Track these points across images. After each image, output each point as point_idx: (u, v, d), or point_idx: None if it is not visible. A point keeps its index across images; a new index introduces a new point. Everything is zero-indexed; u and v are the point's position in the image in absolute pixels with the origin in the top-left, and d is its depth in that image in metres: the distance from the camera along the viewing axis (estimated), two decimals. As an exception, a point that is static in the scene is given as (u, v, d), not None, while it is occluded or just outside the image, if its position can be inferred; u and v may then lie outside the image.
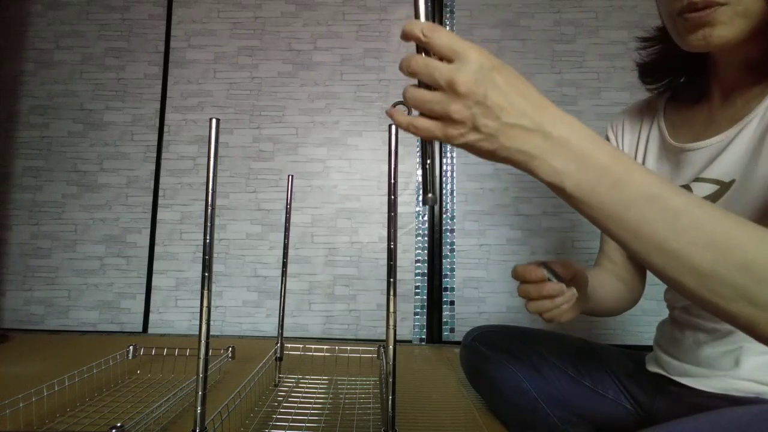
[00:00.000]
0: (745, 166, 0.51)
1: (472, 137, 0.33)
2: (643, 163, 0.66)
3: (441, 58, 0.33)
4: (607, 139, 0.72)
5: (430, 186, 0.36)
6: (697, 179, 0.56)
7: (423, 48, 0.34)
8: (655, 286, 0.64)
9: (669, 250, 0.32)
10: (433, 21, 1.53)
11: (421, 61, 0.34)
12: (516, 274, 0.54)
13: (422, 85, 0.35)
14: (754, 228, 0.31)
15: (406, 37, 0.35)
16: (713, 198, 0.54)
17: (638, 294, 0.74)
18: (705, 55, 0.57)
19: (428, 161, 0.36)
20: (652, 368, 0.65)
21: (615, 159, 0.33)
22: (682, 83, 0.65)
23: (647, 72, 0.67)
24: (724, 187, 0.53)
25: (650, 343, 0.70)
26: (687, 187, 0.57)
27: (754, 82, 0.53)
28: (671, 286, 0.34)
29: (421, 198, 1.64)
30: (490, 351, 0.83)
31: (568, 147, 0.33)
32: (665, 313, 0.68)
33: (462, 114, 0.32)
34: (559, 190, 0.35)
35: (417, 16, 0.35)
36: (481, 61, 0.33)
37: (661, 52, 0.64)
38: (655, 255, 0.33)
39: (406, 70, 0.34)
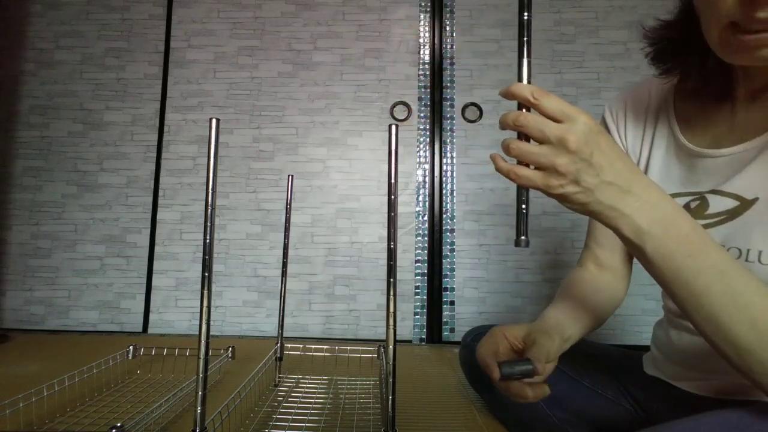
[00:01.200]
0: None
1: (570, 189, 0.37)
2: (649, 161, 0.61)
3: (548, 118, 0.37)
4: (605, 126, 0.66)
5: (524, 229, 0.38)
6: (714, 191, 0.51)
7: (524, 106, 0.38)
8: (654, 286, 0.64)
9: (720, 323, 0.36)
10: (433, 22, 1.51)
11: (532, 118, 0.38)
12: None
13: (522, 138, 0.39)
14: None
15: (513, 97, 0.39)
16: (731, 214, 0.49)
17: (621, 298, 0.69)
18: None
19: (523, 207, 0.39)
20: (651, 371, 0.65)
21: (695, 229, 0.37)
22: (696, 72, 0.55)
23: (663, 57, 0.56)
24: (744, 204, 0.48)
25: (649, 343, 0.70)
26: (701, 197, 0.53)
27: None
28: (710, 345, 0.37)
29: (421, 199, 1.64)
30: None
31: (657, 210, 0.37)
32: (662, 313, 0.68)
33: (567, 168, 0.36)
34: (637, 250, 0.38)
35: (520, 78, 0.39)
36: (591, 125, 0.37)
37: (684, 37, 0.53)
38: (705, 321, 0.37)
39: (513, 123, 0.38)
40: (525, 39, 0.39)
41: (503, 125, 0.39)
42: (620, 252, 0.67)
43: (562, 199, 0.39)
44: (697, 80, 0.55)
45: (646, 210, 0.37)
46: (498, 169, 0.40)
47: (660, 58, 0.56)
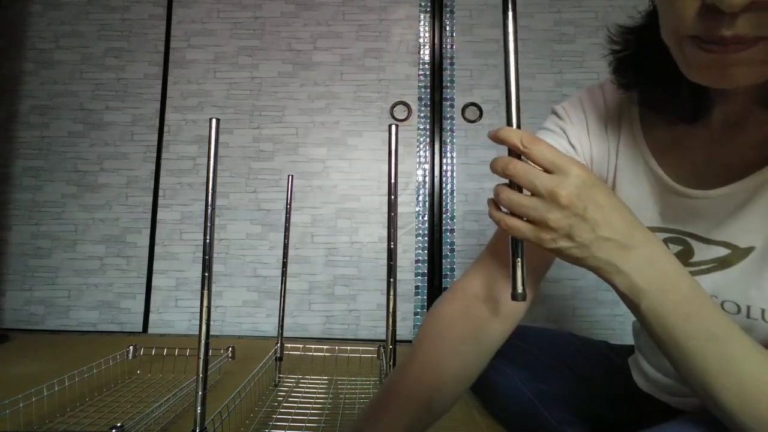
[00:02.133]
0: (765, 235, 0.41)
1: (563, 244, 0.36)
2: (615, 184, 0.52)
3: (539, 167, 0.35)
4: (564, 132, 0.54)
5: (520, 283, 0.36)
6: (699, 237, 0.45)
7: (516, 153, 0.36)
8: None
9: (706, 384, 0.35)
10: (433, 22, 1.51)
11: (521, 168, 0.35)
12: None
13: (514, 185, 0.36)
14: None
15: (501, 143, 0.36)
16: (721, 263, 0.43)
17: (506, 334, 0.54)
18: None
19: (518, 259, 0.36)
20: (639, 381, 0.64)
21: (693, 290, 0.36)
22: (662, 91, 0.46)
23: (625, 69, 0.47)
24: (738, 253, 0.42)
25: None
26: (682, 240, 0.47)
27: (766, 120, 0.41)
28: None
29: (421, 199, 1.64)
30: None
31: (656, 269, 0.36)
32: None
33: (559, 223, 0.34)
34: (632, 306, 0.37)
35: (509, 121, 0.37)
36: (583, 177, 0.35)
37: (647, 47, 0.45)
38: (692, 378, 0.36)
39: (502, 172, 0.36)
40: (513, 80, 0.37)
41: (493, 171, 0.37)
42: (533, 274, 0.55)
43: (557, 253, 0.37)
44: (664, 100, 0.46)
45: (644, 267, 0.36)
46: (491, 216, 0.38)
47: (621, 71, 0.47)
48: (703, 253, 0.45)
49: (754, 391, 0.34)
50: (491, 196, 0.39)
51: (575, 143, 0.53)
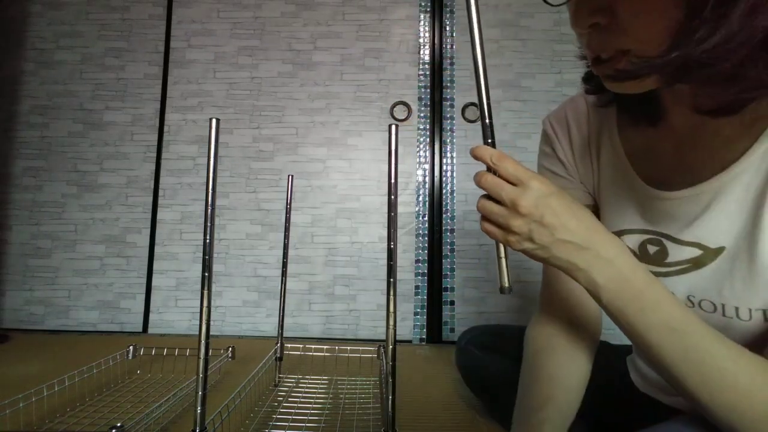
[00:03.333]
0: (741, 234, 0.42)
1: (528, 245, 0.40)
2: (599, 189, 0.55)
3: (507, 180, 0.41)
4: (553, 150, 0.59)
5: (507, 278, 0.41)
6: (671, 238, 0.48)
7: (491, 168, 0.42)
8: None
9: (672, 375, 0.38)
10: (433, 22, 1.50)
11: (491, 180, 0.42)
12: None
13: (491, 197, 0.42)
14: (755, 368, 0.36)
15: (476, 158, 0.43)
16: (695, 263, 0.45)
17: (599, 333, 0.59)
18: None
19: (502, 258, 0.42)
20: (636, 380, 0.65)
21: (649, 286, 0.39)
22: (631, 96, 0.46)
23: (590, 77, 0.50)
24: (709, 253, 0.44)
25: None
26: (658, 241, 0.49)
27: (728, 122, 0.42)
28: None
29: (421, 199, 1.64)
30: (483, 353, 0.83)
31: (612, 267, 0.39)
32: None
33: (521, 229, 0.40)
34: (596, 300, 0.41)
35: (485, 140, 0.43)
36: (541, 189, 0.39)
37: None
38: (660, 370, 0.40)
39: (477, 183, 0.42)
40: (485, 102, 0.42)
41: (475, 183, 0.43)
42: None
43: (524, 253, 0.42)
44: (628, 101, 0.49)
45: (601, 265, 0.39)
46: (480, 221, 0.44)
47: (587, 78, 0.50)
48: (676, 253, 0.47)
49: (717, 379, 0.36)
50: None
51: (563, 159, 0.59)
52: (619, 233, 0.53)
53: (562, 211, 0.39)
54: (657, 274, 0.48)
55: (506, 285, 0.41)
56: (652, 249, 0.50)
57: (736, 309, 0.42)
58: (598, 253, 0.39)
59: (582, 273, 0.40)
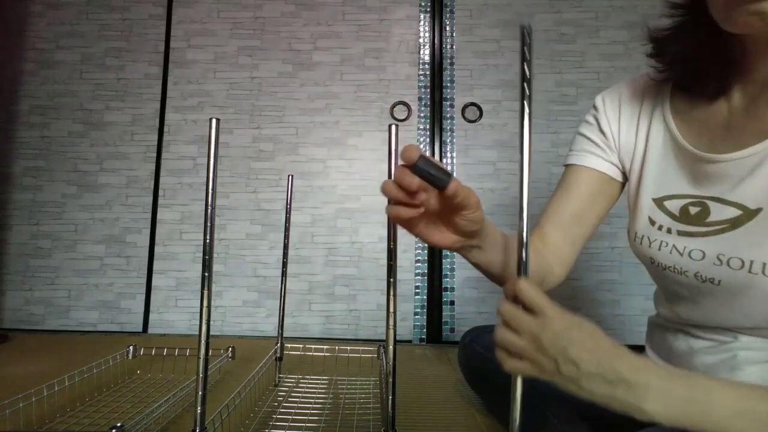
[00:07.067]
0: None
1: (558, 378, 0.40)
2: (644, 159, 0.58)
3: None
4: (595, 114, 0.63)
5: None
6: (717, 198, 0.50)
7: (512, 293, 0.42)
8: (654, 286, 0.64)
9: None
10: (433, 22, 1.51)
11: (509, 312, 0.41)
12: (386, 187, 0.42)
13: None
14: None
15: (508, 297, 0.42)
16: (732, 224, 0.48)
17: (552, 281, 0.63)
18: (736, 45, 0.48)
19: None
20: None
21: (692, 386, 0.38)
22: (699, 69, 0.52)
23: (662, 49, 0.54)
24: (748, 213, 0.47)
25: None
26: (701, 203, 0.51)
27: None
28: None
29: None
30: (486, 352, 0.83)
31: (649, 390, 0.38)
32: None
33: (548, 364, 0.39)
34: (651, 422, 0.39)
35: (519, 273, 0.42)
36: (561, 321, 0.39)
37: (686, 24, 0.51)
38: None
39: (499, 314, 0.42)
40: (524, 255, 0.42)
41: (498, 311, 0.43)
42: (569, 236, 0.63)
43: (561, 385, 0.41)
44: (690, 78, 0.53)
45: (640, 394, 0.38)
46: (499, 359, 0.42)
47: (657, 51, 0.54)
48: (718, 213, 0.49)
49: None
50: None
51: (605, 130, 0.62)
52: (662, 199, 0.56)
53: (585, 343, 0.39)
54: (695, 234, 0.50)
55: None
56: (693, 210, 0.52)
57: (764, 265, 0.44)
58: (629, 381, 0.38)
59: (632, 410, 0.39)
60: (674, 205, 0.54)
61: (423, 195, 0.42)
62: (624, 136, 0.61)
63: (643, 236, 0.58)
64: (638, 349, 0.74)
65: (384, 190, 0.42)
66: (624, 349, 0.40)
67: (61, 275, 1.65)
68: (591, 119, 0.64)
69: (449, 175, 0.41)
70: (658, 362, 0.63)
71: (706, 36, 0.48)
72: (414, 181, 0.40)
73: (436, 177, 0.40)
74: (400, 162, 0.41)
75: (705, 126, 0.53)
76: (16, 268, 1.66)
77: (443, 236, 0.48)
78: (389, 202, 0.43)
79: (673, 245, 0.53)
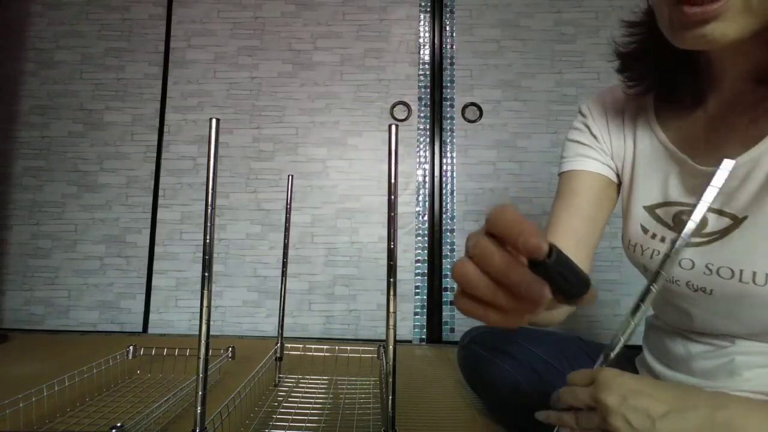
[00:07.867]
0: (758, 203, 0.45)
1: None
2: (634, 165, 0.58)
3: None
4: (587, 126, 0.62)
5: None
6: (715, 210, 0.49)
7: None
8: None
9: None
10: (433, 22, 1.50)
11: (568, 394, 0.43)
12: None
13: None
14: None
15: (569, 403, 0.43)
16: (722, 233, 0.48)
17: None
18: (700, 54, 0.49)
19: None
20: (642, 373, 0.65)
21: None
22: (669, 81, 0.53)
23: (629, 65, 0.55)
24: (737, 222, 0.47)
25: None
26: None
27: (763, 97, 0.45)
28: None
29: (421, 199, 1.64)
30: (486, 352, 0.83)
31: (727, 410, 0.37)
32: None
33: (619, 422, 0.38)
34: None
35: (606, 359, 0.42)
36: (613, 375, 0.40)
37: (647, 41, 0.52)
38: None
39: (564, 402, 0.43)
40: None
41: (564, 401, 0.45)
42: (582, 243, 0.60)
43: None
44: (665, 89, 0.54)
45: (710, 425, 0.37)
46: None
47: (626, 67, 0.55)
48: (714, 224, 0.49)
49: None
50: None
51: (597, 134, 0.61)
52: (654, 206, 0.55)
53: (644, 388, 0.39)
54: (688, 243, 0.49)
55: None
56: (688, 219, 0.51)
57: (754, 274, 0.44)
58: (698, 410, 0.37)
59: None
60: (667, 213, 0.54)
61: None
62: (615, 142, 0.60)
63: (636, 244, 0.57)
64: (639, 349, 0.74)
65: (459, 276, 0.27)
66: (680, 383, 0.42)
67: (61, 275, 1.65)
68: (580, 125, 0.63)
69: (588, 282, 0.28)
70: (655, 366, 0.63)
71: (671, 50, 0.47)
72: (543, 290, 0.25)
73: (573, 285, 0.26)
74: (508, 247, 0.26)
75: (690, 133, 0.52)
76: (16, 268, 1.66)
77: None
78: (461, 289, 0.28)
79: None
